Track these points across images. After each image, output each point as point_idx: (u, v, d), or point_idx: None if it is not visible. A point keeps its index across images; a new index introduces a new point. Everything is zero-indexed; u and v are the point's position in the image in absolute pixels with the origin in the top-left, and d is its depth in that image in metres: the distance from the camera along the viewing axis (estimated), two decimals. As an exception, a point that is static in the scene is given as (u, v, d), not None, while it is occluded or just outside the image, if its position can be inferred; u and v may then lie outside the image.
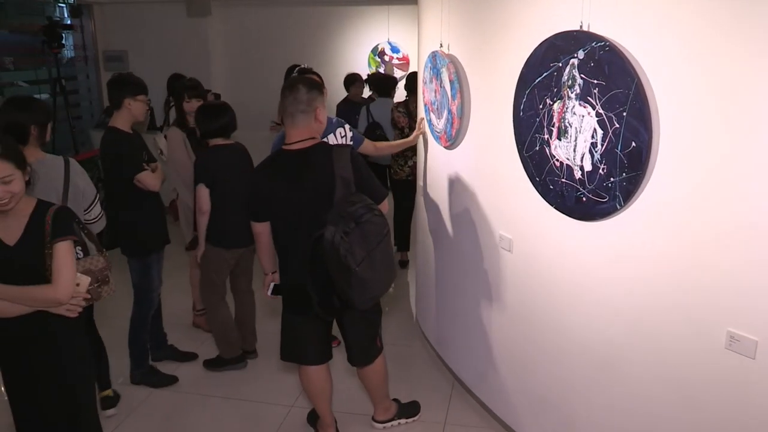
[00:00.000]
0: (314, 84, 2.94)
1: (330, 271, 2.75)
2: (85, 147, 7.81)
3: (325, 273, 2.78)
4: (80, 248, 2.64)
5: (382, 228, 2.81)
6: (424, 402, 3.71)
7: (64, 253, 2.41)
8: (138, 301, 3.86)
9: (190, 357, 4.25)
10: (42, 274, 2.40)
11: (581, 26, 2.43)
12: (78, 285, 2.48)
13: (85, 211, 3.21)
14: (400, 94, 6.39)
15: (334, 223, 2.70)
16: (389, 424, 3.51)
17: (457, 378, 3.90)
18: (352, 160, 2.89)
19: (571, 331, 2.82)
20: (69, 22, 8.00)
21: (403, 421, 3.53)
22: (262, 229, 3.04)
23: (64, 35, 7.45)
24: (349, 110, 6.43)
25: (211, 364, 4.13)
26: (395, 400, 3.57)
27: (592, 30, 2.40)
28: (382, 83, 6.13)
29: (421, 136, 4.33)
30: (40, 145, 3.09)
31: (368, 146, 3.93)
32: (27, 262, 2.39)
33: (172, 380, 3.97)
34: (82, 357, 2.65)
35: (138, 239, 3.73)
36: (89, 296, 2.54)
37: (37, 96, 7.37)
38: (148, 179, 3.60)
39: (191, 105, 4.29)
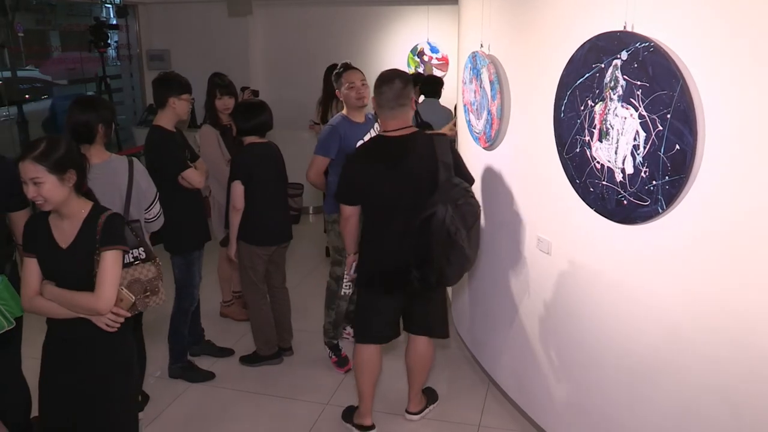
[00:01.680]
0: (407, 77, 3.13)
1: (434, 248, 2.94)
2: (128, 144, 7.97)
3: (426, 251, 2.96)
4: (141, 249, 2.71)
5: (477, 210, 3.06)
6: (459, 403, 3.71)
7: (110, 262, 2.37)
8: (179, 297, 3.93)
9: (226, 353, 4.31)
10: (92, 281, 2.37)
11: (625, 26, 2.39)
12: (121, 301, 2.44)
13: (145, 210, 3.28)
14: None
15: (443, 203, 2.92)
16: (423, 413, 3.60)
17: (492, 380, 3.88)
18: (450, 147, 3.12)
19: (609, 336, 2.78)
20: (115, 21, 8.18)
21: (432, 407, 3.65)
22: (352, 212, 3.20)
23: (109, 35, 7.62)
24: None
25: (247, 360, 4.18)
26: None
27: (636, 30, 2.36)
28: (430, 84, 6.16)
29: (458, 137, 4.32)
30: (104, 143, 3.15)
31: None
32: (77, 267, 2.37)
33: (209, 376, 4.02)
34: (124, 371, 2.57)
35: (181, 236, 3.79)
36: (129, 314, 2.48)
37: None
38: (193, 176, 3.67)
39: (223, 102, 4.36)
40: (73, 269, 2.38)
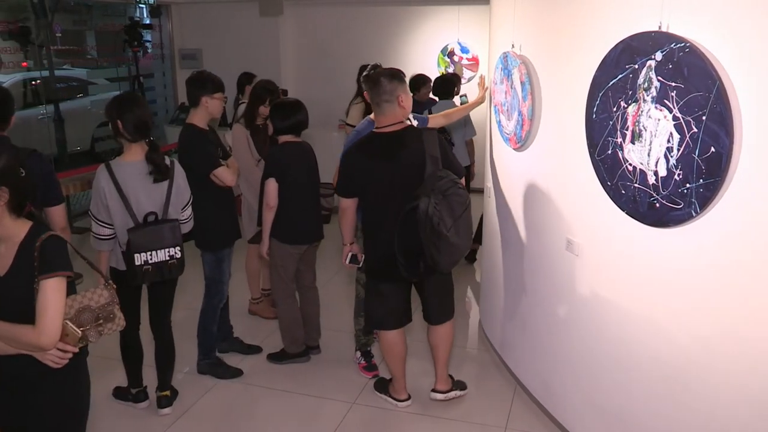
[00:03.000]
0: (395, 75, 3.29)
1: (422, 238, 3.08)
2: (160, 142, 8.07)
3: (415, 240, 3.10)
4: (178, 248, 2.75)
5: (465, 199, 3.16)
6: (485, 405, 3.70)
7: (50, 292, 2.07)
8: (209, 293, 3.98)
9: (254, 350, 4.34)
10: (35, 312, 2.08)
11: (660, 27, 2.36)
12: (67, 335, 2.16)
13: (181, 210, 3.38)
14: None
15: (426, 195, 3.06)
16: (449, 394, 3.69)
17: (520, 383, 3.85)
18: (439, 141, 3.27)
19: (639, 341, 2.75)
20: (148, 21, 8.30)
21: (459, 392, 3.73)
22: (349, 204, 3.40)
23: (143, 34, 7.73)
24: (418, 111, 6.42)
25: (275, 358, 4.20)
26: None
27: (672, 31, 2.32)
28: (443, 85, 6.06)
29: (486, 139, 4.29)
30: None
31: (437, 119, 4.22)
32: (17, 296, 2.09)
33: (237, 373, 4.05)
34: (76, 417, 2.34)
35: (212, 234, 3.83)
36: (76, 350, 2.20)
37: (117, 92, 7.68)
38: (224, 174, 3.70)
39: (267, 109, 4.35)
40: (13, 299, 2.10)
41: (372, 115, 3.90)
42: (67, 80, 8.15)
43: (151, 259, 3.22)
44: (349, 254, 3.57)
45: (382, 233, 3.29)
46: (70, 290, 2.21)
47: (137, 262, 3.19)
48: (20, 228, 2.13)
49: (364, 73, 4.01)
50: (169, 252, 3.25)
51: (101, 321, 2.31)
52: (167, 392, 3.66)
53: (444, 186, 3.10)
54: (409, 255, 3.19)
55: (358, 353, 4.13)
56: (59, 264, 2.11)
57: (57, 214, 3.12)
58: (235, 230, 4.00)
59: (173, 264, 3.29)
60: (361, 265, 3.62)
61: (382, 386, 3.78)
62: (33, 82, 7.42)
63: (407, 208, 3.11)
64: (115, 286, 2.40)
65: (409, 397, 3.68)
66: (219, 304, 4.01)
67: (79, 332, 2.20)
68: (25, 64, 7.35)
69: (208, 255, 3.90)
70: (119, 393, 3.75)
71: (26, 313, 2.07)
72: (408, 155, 3.21)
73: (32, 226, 2.15)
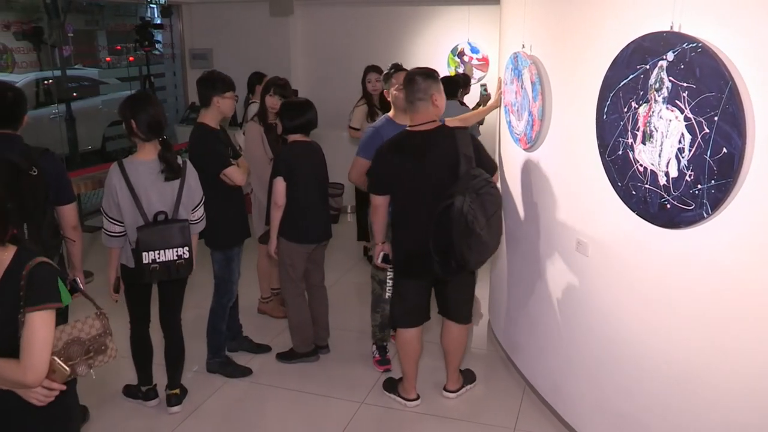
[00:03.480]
0: (430, 74, 3.32)
1: (454, 236, 3.09)
2: (170, 141, 8.11)
3: (447, 238, 3.11)
4: (186, 249, 2.73)
5: (497, 199, 3.21)
6: (494, 406, 3.69)
7: (38, 326, 1.89)
8: (218, 292, 3.99)
9: (264, 349, 4.35)
10: (20, 345, 1.92)
11: (672, 27, 2.35)
12: (54, 372, 1.99)
13: (192, 210, 3.39)
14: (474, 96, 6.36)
15: (461, 193, 3.07)
16: (460, 392, 3.77)
17: (529, 384, 3.84)
18: (472, 140, 3.31)
19: (650, 342, 2.73)
20: (159, 21, 8.34)
21: (469, 386, 3.82)
22: (381, 202, 3.43)
23: (154, 34, 7.77)
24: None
25: (284, 357, 4.21)
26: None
27: (684, 31, 2.31)
28: (448, 85, 6.03)
29: (496, 139, 4.29)
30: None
31: (455, 123, 4.13)
32: (2, 327, 1.93)
33: (246, 372, 4.06)
34: None
35: (222, 232, 3.84)
36: (64, 387, 2.04)
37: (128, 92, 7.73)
38: (234, 174, 3.72)
39: (273, 100, 4.39)
40: None
41: (390, 113, 3.92)
42: (78, 80, 8.20)
43: (158, 258, 3.23)
44: (382, 253, 3.57)
45: (411, 231, 3.33)
46: (59, 320, 2.03)
47: (145, 261, 3.20)
48: (4, 254, 1.96)
49: (385, 72, 4.01)
50: (177, 252, 3.27)
51: (92, 354, 2.16)
52: (177, 390, 3.67)
53: (478, 185, 3.12)
54: (443, 252, 3.21)
55: (374, 347, 4.16)
56: (48, 295, 1.94)
57: (68, 213, 3.14)
58: (245, 229, 4.01)
59: (181, 264, 3.30)
60: (392, 265, 3.63)
61: (391, 386, 3.79)
62: (45, 82, 7.47)
63: (442, 206, 3.12)
64: (107, 314, 2.27)
65: (418, 397, 3.68)
66: (228, 303, 4.02)
67: (68, 369, 2.04)
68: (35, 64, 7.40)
69: (217, 254, 3.91)
70: (129, 391, 3.77)
71: (10, 347, 1.91)
72: (440, 154, 3.23)
73: (17, 251, 1.99)
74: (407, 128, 3.35)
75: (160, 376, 3.72)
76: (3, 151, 2.84)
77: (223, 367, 4.06)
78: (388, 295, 3.95)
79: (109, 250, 3.32)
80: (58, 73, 7.40)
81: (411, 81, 3.29)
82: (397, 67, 3.97)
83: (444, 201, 3.11)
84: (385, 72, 4.03)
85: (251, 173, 4.40)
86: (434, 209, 3.16)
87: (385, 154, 3.36)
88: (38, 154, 2.95)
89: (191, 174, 3.37)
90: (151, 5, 8.21)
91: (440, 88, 3.34)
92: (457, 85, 6.09)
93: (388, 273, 3.91)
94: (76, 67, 8.06)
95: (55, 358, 2.00)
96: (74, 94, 7.79)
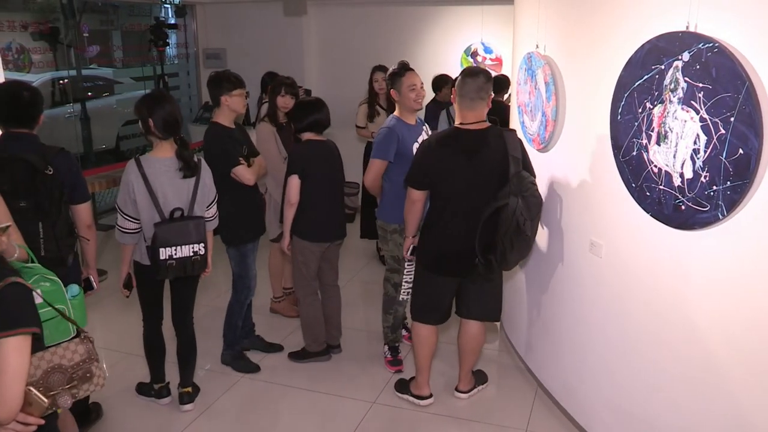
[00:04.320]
0: (490, 75, 3.31)
1: (501, 235, 3.13)
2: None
3: (491, 237, 3.16)
4: (202, 245, 2.74)
5: (540, 201, 3.20)
6: (506, 407, 3.68)
7: (10, 353, 1.69)
8: (236, 288, 4.04)
9: (275, 348, 4.37)
10: None
11: (687, 26, 2.33)
12: (30, 405, 1.79)
13: (206, 208, 3.42)
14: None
15: (516, 195, 3.10)
16: (472, 393, 3.77)
17: (541, 385, 3.83)
18: (520, 143, 3.27)
19: (663, 344, 2.71)
20: (173, 21, 8.38)
21: (481, 387, 3.82)
22: (420, 197, 3.39)
23: (168, 34, 7.81)
24: (438, 111, 6.43)
25: (296, 356, 4.22)
26: None
27: (700, 30, 2.29)
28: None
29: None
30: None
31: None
32: None
33: (254, 368, 4.10)
34: None
35: (236, 228, 3.89)
36: (42, 421, 1.84)
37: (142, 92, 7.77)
38: (243, 173, 3.74)
39: (285, 100, 4.41)
40: None
41: (397, 112, 3.89)
42: (93, 79, 8.26)
43: (175, 254, 3.25)
44: (411, 246, 3.57)
45: (449, 228, 3.30)
46: (37, 346, 1.83)
47: (162, 257, 3.23)
48: None
49: (391, 71, 3.95)
50: (193, 248, 3.30)
51: (75, 382, 1.98)
52: (189, 389, 3.69)
53: (525, 187, 3.13)
54: (486, 251, 3.22)
55: (386, 347, 4.16)
56: (22, 318, 1.73)
57: (83, 212, 3.16)
58: (260, 226, 4.07)
59: (196, 260, 3.32)
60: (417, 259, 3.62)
61: (403, 386, 3.78)
62: (61, 81, 7.53)
63: (494, 206, 3.13)
64: (92, 338, 2.15)
65: (431, 395, 3.67)
66: (246, 300, 4.07)
67: (46, 401, 1.83)
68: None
69: (232, 250, 3.96)
70: (142, 388, 3.79)
71: None
72: (489, 154, 3.20)
73: None
74: (458, 126, 3.29)
75: (172, 373, 3.74)
76: (20, 150, 2.86)
77: (235, 360, 4.13)
78: (401, 297, 3.95)
79: (122, 246, 3.35)
80: (73, 72, 7.46)
81: (474, 77, 3.23)
82: (405, 66, 3.92)
83: (497, 201, 3.13)
84: (391, 71, 3.91)
85: (268, 174, 4.40)
86: (476, 207, 3.17)
87: (434, 149, 3.30)
88: (54, 153, 2.97)
89: (206, 172, 3.40)
90: (166, 5, 8.24)
91: (491, 90, 3.33)
92: (503, 85, 6.12)
93: (405, 276, 3.91)
94: (91, 66, 8.11)
95: (32, 389, 1.80)
96: (89, 93, 7.85)
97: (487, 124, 3.28)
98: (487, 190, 3.18)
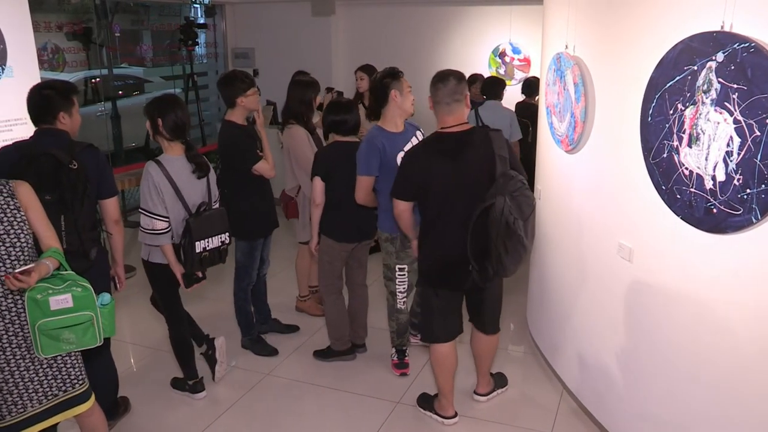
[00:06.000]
0: (461, 75, 3.22)
1: (493, 238, 3.02)
2: (212, 139, 8.23)
3: (484, 241, 3.05)
4: (227, 234, 2.96)
5: (532, 201, 3.09)
6: (531, 410, 3.66)
7: None
8: (238, 277, 4.20)
9: (293, 329, 4.58)
10: None
11: (722, 26, 2.29)
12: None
13: (213, 203, 3.56)
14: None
15: (502, 194, 3.00)
16: (491, 395, 3.75)
17: (567, 388, 3.79)
18: (506, 142, 3.22)
19: (694, 350, 2.67)
20: (203, 21, 8.46)
21: (500, 390, 3.79)
22: (406, 207, 3.31)
23: (198, 33, 7.89)
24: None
25: (321, 355, 4.24)
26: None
27: (735, 30, 2.25)
28: (492, 86, 6.07)
29: (539, 139, 4.24)
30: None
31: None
32: None
33: (273, 351, 4.27)
34: None
35: (248, 224, 4.03)
36: None
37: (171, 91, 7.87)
38: (264, 168, 3.91)
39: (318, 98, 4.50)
40: None
41: (381, 121, 3.79)
42: (124, 78, 8.37)
43: (208, 245, 3.42)
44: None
45: (446, 237, 3.20)
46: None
47: (197, 249, 3.36)
48: None
49: (388, 70, 3.84)
50: (221, 238, 3.48)
51: None
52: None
53: (513, 186, 3.04)
54: (478, 258, 3.12)
55: (393, 350, 4.15)
56: None
57: (110, 207, 3.21)
58: (273, 221, 4.19)
59: (224, 250, 3.52)
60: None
61: (426, 402, 3.68)
62: (93, 80, 7.64)
63: (481, 207, 3.03)
64: None
65: (456, 414, 3.55)
66: (248, 287, 4.24)
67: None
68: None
69: (242, 243, 4.10)
70: (177, 383, 3.87)
71: None
72: (476, 155, 3.13)
73: None
74: (439, 130, 3.20)
75: (204, 369, 3.81)
76: (48, 145, 2.92)
77: (253, 344, 4.31)
78: (399, 305, 3.95)
79: (162, 248, 3.38)
80: (105, 71, 7.57)
81: (445, 81, 3.15)
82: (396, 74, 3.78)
83: (484, 202, 3.03)
84: (390, 71, 3.78)
85: (303, 177, 4.39)
86: (470, 212, 3.06)
87: (418, 158, 3.22)
88: (80, 148, 3.02)
89: (212, 173, 3.55)
90: (195, 5, 8.33)
91: (467, 90, 3.26)
92: (503, 85, 6.10)
93: (398, 285, 3.91)
94: (122, 66, 8.22)
95: None
96: (120, 92, 7.96)
97: (470, 125, 3.22)
98: (478, 193, 3.07)
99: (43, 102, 3.02)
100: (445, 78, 3.17)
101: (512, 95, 6.98)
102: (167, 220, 3.32)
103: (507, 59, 8.04)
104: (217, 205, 3.56)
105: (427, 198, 3.22)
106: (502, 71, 7.98)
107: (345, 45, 8.52)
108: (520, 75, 7.91)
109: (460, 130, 3.17)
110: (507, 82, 7.31)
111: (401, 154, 3.59)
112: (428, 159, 3.18)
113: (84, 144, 3.09)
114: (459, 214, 3.13)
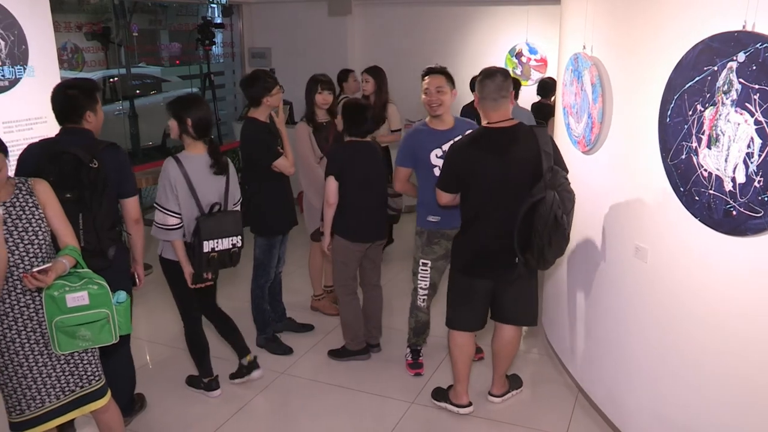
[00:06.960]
0: (507, 72, 3.31)
1: (539, 231, 3.07)
2: (228, 138, 8.28)
3: (526, 234, 3.11)
4: (240, 237, 2.92)
5: (573, 196, 3.17)
6: (546, 411, 3.64)
7: None
8: (256, 274, 4.22)
9: (307, 328, 4.59)
10: None
11: (744, 26, 2.27)
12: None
13: (233, 205, 3.57)
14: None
15: (552, 188, 3.07)
16: (506, 396, 3.75)
17: (582, 390, 3.77)
18: (551, 138, 3.26)
19: (711, 353, 2.65)
20: (220, 21, 8.51)
21: (515, 392, 3.79)
22: (449, 200, 3.40)
23: (215, 33, 7.94)
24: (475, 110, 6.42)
25: (336, 354, 4.25)
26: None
27: (758, 29, 2.23)
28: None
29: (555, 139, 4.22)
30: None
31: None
32: None
33: (287, 350, 4.29)
34: None
35: (267, 221, 4.07)
36: None
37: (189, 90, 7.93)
38: (284, 164, 3.97)
39: (323, 97, 4.48)
40: None
41: (428, 118, 3.82)
42: (142, 77, 8.44)
43: (217, 246, 3.40)
44: None
45: (485, 229, 3.28)
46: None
47: (205, 249, 3.35)
48: None
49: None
50: (232, 240, 3.45)
51: None
52: (250, 356, 3.87)
53: (558, 181, 3.10)
54: (522, 249, 3.18)
55: (408, 350, 4.15)
56: None
57: (130, 206, 3.23)
58: (292, 219, 4.22)
59: (235, 252, 3.49)
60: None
61: (440, 394, 3.73)
62: (111, 80, 7.71)
63: (531, 201, 3.08)
64: None
65: (471, 403, 3.61)
66: (266, 284, 4.26)
67: None
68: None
69: (261, 240, 4.12)
70: (192, 381, 3.90)
71: None
72: (521, 151, 3.17)
73: None
74: (486, 125, 3.27)
75: (218, 369, 3.83)
76: (70, 144, 2.95)
77: (268, 343, 4.32)
78: (419, 302, 3.94)
79: (172, 244, 3.41)
80: (123, 71, 7.64)
81: (492, 77, 3.22)
82: (429, 69, 3.81)
83: (533, 196, 3.08)
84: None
85: (301, 173, 4.50)
86: (512, 206, 3.12)
87: (463, 150, 3.27)
88: (102, 147, 3.05)
89: (233, 173, 3.56)
90: (212, 5, 8.38)
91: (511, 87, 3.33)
92: (517, 86, 6.08)
93: (420, 281, 3.90)
94: (140, 65, 8.29)
95: None
96: (137, 91, 8.02)
97: (515, 121, 3.26)
98: (521, 188, 3.13)
99: (70, 102, 3.05)
100: (492, 75, 3.23)
101: (527, 96, 6.96)
102: (179, 216, 3.35)
103: (524, 59, 8.01)
104: (237, 208, 3.56)
105: (470, 191, 3.29)
106: (518, 71, 7.95)
107: (361, 45, 8.53)
108: (536, 75, 7.88)
109: (506, 126, 3.22)
110: (523, 82, 7.30)
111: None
112: (473, 153, 3.23)
113: (106, 143, 3.12)
114: (500, 207, 3.20)
